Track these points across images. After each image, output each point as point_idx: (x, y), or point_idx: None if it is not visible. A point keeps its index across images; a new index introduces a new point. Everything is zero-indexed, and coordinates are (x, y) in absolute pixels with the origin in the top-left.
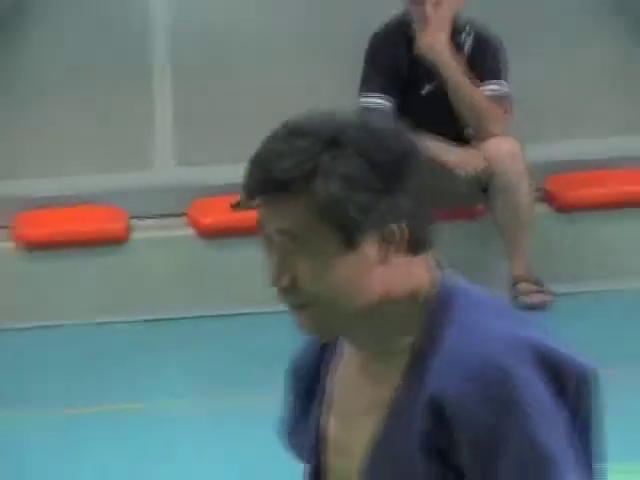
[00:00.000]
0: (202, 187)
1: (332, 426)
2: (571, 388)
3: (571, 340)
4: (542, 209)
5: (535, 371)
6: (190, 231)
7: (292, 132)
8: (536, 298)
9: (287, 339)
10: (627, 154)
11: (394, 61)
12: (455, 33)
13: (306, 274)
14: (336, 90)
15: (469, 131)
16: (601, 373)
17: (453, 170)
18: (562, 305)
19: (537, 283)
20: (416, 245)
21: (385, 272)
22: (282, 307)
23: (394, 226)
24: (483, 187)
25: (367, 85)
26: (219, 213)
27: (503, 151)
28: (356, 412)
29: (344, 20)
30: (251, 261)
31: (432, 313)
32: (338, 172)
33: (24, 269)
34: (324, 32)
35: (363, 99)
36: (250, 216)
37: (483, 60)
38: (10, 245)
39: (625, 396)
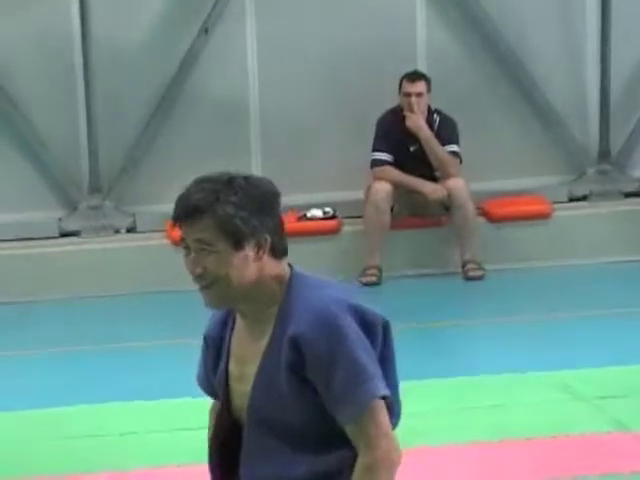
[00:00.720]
0: None
1: (233, 366)
2: (377, 332)
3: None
4: (480, 220)
5: (351, 317)
6: None
7: (201, 180)
8: (477, 273)
9: None
10: (528, 187)
11: (392, 133)
12: (429, 116)
13: (212, 265)
14: (361, 150)
15: (438, 173)
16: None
17: (428, 195)
18: (491, 277)
19: (478, 264)
20: (278, 251)
21: (259, 266)
22: None
23: (265, 236)
24: (445, 206)
25: (377, 146)
26: None
27: (457, 185)
28: (248, 355)
29: (364, 109)
30: None
31: (288, 290)
32: (230, 200)
33: (173, 256)
34: (355, 115)
35: (374, 155)
36: None
37: (445, 132)
38: (165, 241)
39: None
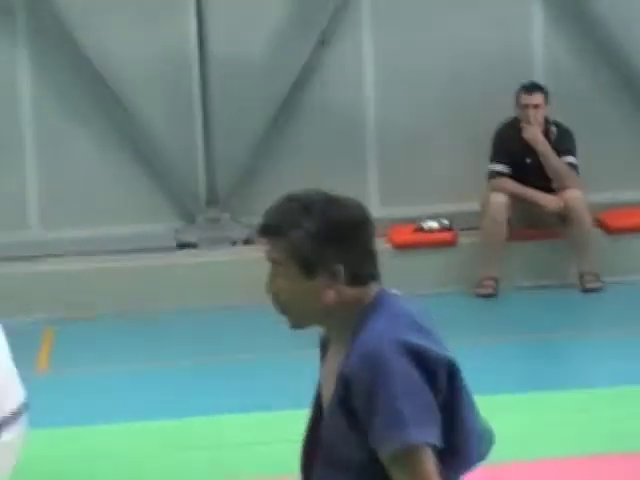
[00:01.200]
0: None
1: (322, 383)
2: (438, 374)
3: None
4: (597, 231)
5: (402, 357)
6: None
7: (289, 198)
8: (595, 284)
9: None
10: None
11: (509, 144)
12: (546, 127)
13: (281, 290)
14: (476, 161)
15: (554, 185)
16: None
17: (545, 207)
18: (608, 289)
19: (596, 275)
20: (360, 279)
21: (334, 294)
22: None
23: (338, 266)
24: (562, 218)
25: (494, 158)
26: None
27: (574, 197)
28: (328, 375)
29: (479, 121)
30: None
31: (362, 319)
32: (305, 226)
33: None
34: (470, 127)
35: (492, 166)
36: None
37: (562, 143)
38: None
39: None
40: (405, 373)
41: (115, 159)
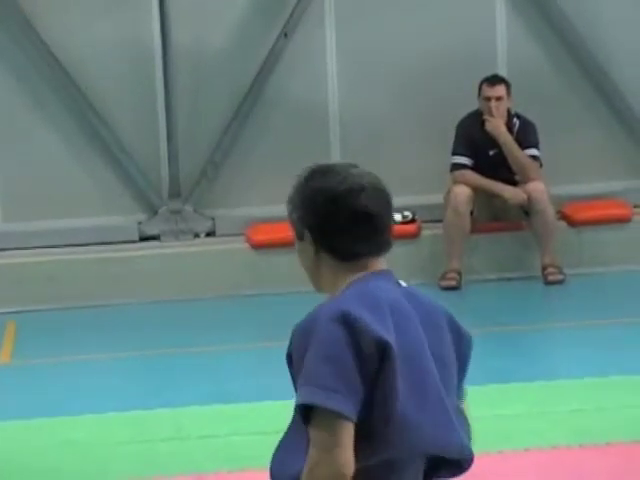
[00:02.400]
0: None
1: None
2: (368, 350)
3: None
4: (560, 224)
5: (335, 324)
6: None
7: (301, 173)
8: (557, 277)
9: None
10: (609, 191)
11: (472, 136)
12: (508, 120)
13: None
14: (440, 153)
15: (518, 177)
16: None
17: (508, 199)
18: (571, 281)
19: (558, 268)
20: (339, 253)
21: (318, 261)
22: None
23: (306, 231)
24: (525, 210)
25: (456, 150)
26: None
27: (537, 189)
28: None
29: (443, 113)
30: None
31: (337, 292)
32: (293, 190)
33: (252, 260)
34: (434, 119)
35: (454, 158)
36: None
37: (525, 135)
38: (245, 245)
39: None
40: (332, 339)
41: (77, 152)
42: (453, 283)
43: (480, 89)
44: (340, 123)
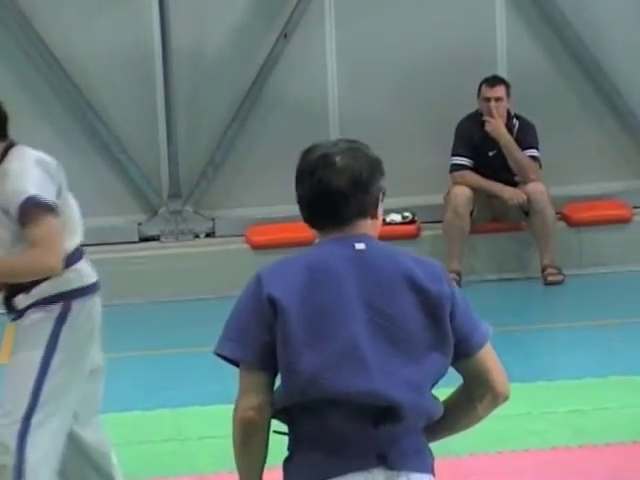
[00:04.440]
0: None
1: None
2: (265, 305)
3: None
4: (560, 224)
5: (248, 286)
6: None
7: None
8: (556, 277)
9: None
10: (608, 191)
11: (471, 137)
12: (508, 120)
13: None
14: (440, 154)
15: (517, 178)
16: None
17: (507, 200)
18: (570, 281)
19: (557, 268)
20: (309, 224)
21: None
22: None
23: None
24: (525, 211)
25: (456, 151)
26: None
27: (537, 190)
28: None
29: (443, 114)
30: None
31: None
32: None
33: (252, 260)
34: (434, 119)
35: (454, 159)
36: None
37: (525, 136)
38: (245, 246)
39: None
40: (242, 296)
41: (77, 152)
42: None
43: (480, 90)
44: (340, 124)
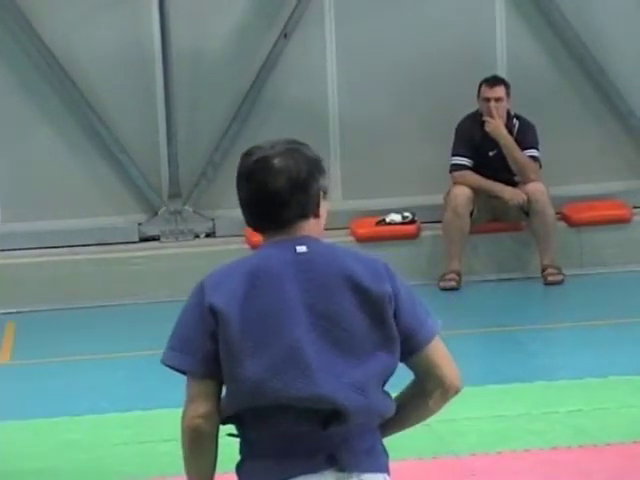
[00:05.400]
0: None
1: None
2: (207, 314)
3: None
4: (560, 224)
5: (192, 294)
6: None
7: None
8: (556, 277)
9: None
10: (608, 191)
11: (471, 137)
12: (508, 120)
13: None
14: (440, 154)
15: (517, 178)
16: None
17: (507, 200)
18: (570, 281)
19: (558, 268)
20: (251, 227)
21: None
22: None
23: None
24: (525, 211)
25: (456, 151)
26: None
27: (537, 190)
28: None
29: (443, 113)
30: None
31: None
32: None
33: None
34: (434, 119)
35: (454, 159)
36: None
37: (525, 136)
38: (244, 246)
39: None
40: (186, 305)
41: (78, 152)
42: (453, 284)
43: (479, 90)
44: (340, 124)
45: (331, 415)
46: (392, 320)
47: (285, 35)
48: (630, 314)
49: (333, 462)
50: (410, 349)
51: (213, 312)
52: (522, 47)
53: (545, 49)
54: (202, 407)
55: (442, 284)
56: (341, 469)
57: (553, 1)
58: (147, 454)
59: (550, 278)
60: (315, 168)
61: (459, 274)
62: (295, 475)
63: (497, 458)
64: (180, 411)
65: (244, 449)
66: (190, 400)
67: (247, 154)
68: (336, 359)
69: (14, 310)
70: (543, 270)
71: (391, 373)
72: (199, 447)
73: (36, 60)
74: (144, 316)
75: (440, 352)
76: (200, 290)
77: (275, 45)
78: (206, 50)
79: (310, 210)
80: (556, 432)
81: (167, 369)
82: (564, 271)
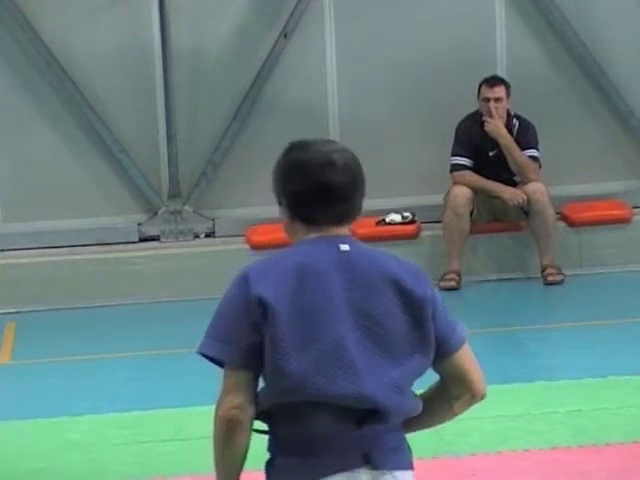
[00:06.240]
0: None
1: None
2: (253, 306)
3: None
4: (560, 224)
5: (234, 285)
6: None
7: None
8: (556, 277)
9: None
10: (608, 191)
11: (471, 137)
12: (508, 120)
13: None
14: (440, 154)
15: (517, 178)
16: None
17: (507, 200)
18: (570, 281)
19: (557, 268)
20: (304, 218)
21: (291, 226)
22: None
23: (282, 198)
24: (525, 211)
25: (456, 151)
26: None
27: (537, 190)
28: None
29: (443, 114)
30: None
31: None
32: (274, 168)
33: (252, 260)
34: (434, 119)
35: (453, 159)
36: None
37: (525, 136)
38: (245, 246)
39: None
40: (228, 296)
41: (77, 152)
42: (453, 284)
43: (479, 90)
44: (340, 124)
45: (366, 414)
46: (430, 323)
47: (285, 35)
48: (630, 314)
49: (367, 460)
50: (442, 353)
51: (261, 304)
52: (522, 47)
53: (545, 49)
54: (239, 398)
55: (442, 284)
56: (375, 467)
57: (553, 1)
58: (147, 454)
59: (550, 278)
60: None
61: (459, 274)
62: (330, 474)
63: (497, 458)
64: (180, 411)
65: (274, 446)
66: (226, 391)
67: (297, 147)
68: (377, 358)
69: (14, 310)
70: (543, 270)
71: (421, 375)
72: (232, 439)
73: (36, 60)
74: (144, 316)
75: (469, 358)
76: (244, 281)
77: (275, 45)
78: (206, 50)
79: (359, 212)
80: (556, 432)
81: (166, 368)
82: (564, 271)
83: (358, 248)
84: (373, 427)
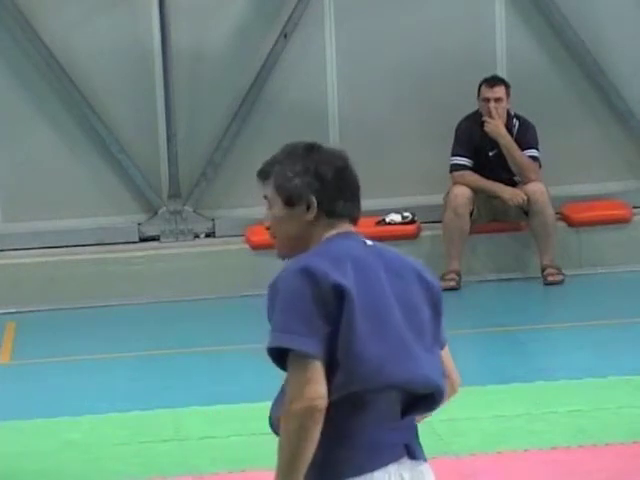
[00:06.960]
0: None
1: None
2: (326, 294)
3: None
4: (560, 224)
5: (296, 277)
6: None
7: (278, 150)
8: (556, 277)
9: None
10: (608, 191)
11: (471, 137)
12: (508, 121)
13: (271, 221)
14: (440, 154)
15: (517, 178)
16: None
17: (507, 200)
18: (570, 281)
19: (557, 268)
20: (335, 213)
21: (311, 224)
22: None
23: (311, 197)
24: (525, 211)
25: (456, 151)
26: None
27: (537, 190)
28: None
29: (443, 114)
30: None
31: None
32: (284, 162)
33: (252, 260)
34: (434, 119)
35: (453, 159)
36: None
37: (525, 136)
38: (244, 246)
39: None
40: (294, 289)
41: (77, 152)
42: (452, 284)
43: (479, 90)
44: (340, 124)
45: (412, 402)
46: (443, 317)
47: (285, 35)
48: (630, 314)
49: (408, 450)
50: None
51: (337, 292)
52: (522, 47)
53: (545, 49)
54: (322, 387)
55: (442, 284)
56: (413, 457)
57: (553, 1)
58: (147, 454)
59: (550, 278)
60: None
61: (459, 274)
62: (384, 464)
63: (497, 458)
64: (180, 411)
65: (328, 440)
66: (307, 381)
67: (316, 148)
68: (421, 345)
69: (14, 310)
70: (543, 270)
71: None
72: (314, 430)
73: (36, 60)
74: (144, 316)
75: (449, 355)
76: (309, 273)
77: (275, 45)
78: (206, 50)
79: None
80: (556, 432)
81: (166, 368)
82: (564, 271)
83: (376, 244)
84: (411, 418)
